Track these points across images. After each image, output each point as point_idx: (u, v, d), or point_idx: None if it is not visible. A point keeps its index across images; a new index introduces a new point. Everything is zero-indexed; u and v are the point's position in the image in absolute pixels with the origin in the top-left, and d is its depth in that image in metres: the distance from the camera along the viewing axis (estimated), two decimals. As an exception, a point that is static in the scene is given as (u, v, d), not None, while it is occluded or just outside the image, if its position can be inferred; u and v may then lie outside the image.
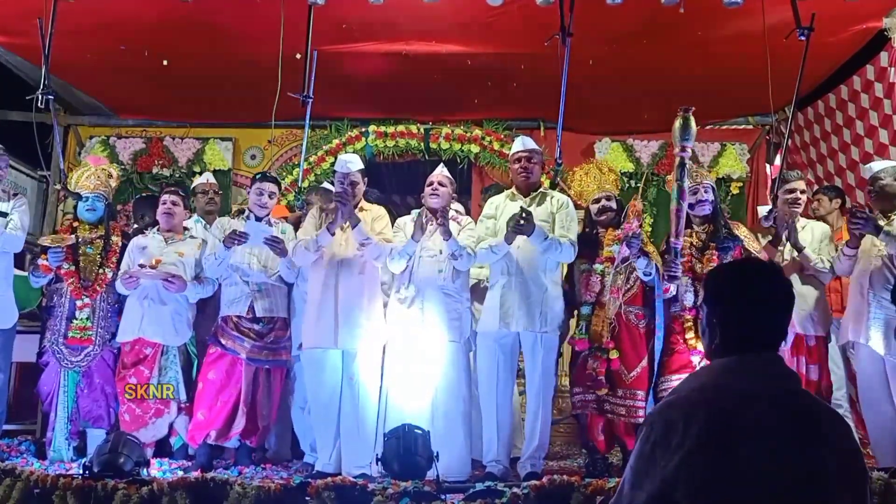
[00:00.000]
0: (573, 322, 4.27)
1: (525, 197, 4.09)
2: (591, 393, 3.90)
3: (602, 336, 3.90)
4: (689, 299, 3.86)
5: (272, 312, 4.25)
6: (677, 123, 3.67)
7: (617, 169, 4.38)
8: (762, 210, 5.06)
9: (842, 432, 1.51)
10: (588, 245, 4.05)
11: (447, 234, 3.91)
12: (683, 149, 3.67)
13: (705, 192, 4.01)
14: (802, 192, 4.31)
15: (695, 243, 3.98)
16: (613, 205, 4.08)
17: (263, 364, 4.20)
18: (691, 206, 4.02)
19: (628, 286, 3.98)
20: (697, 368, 1.52)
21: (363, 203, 4.20)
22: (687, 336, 3.84)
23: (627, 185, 6.00)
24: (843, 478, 1.45)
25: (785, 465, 1.41)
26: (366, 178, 4.20)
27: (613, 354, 3.88)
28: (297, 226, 4.44)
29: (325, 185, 5.07)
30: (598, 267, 3.99)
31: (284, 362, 4.29)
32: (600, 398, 3.88)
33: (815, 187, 5.73)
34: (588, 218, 4.17)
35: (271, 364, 4.23)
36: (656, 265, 3.84)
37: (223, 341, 4.18)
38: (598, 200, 4.09)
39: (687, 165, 3.70)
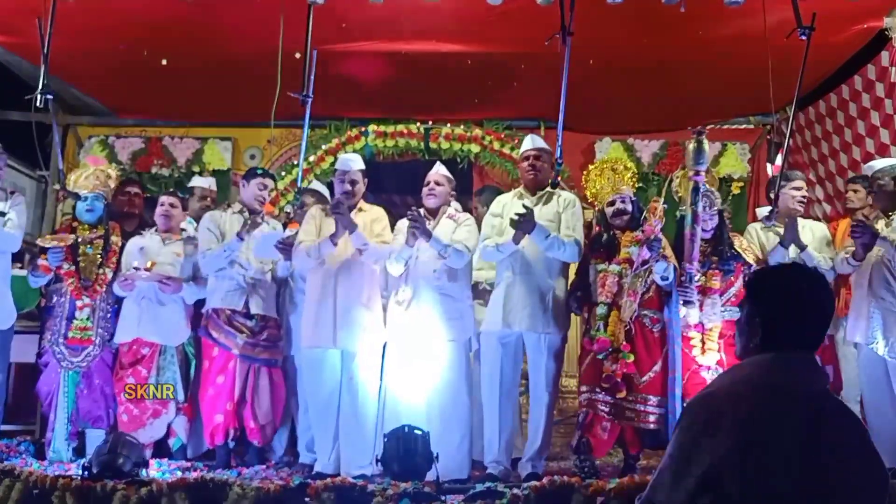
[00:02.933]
0: (578, 321, 4.26)
1: (532, 196, 4.09)
2: (601, 393, 3.83)
3: (618, 338, 3.83)
4: (693, 316, 3.83)
5: (266, 311, 4.25)
6: (691, 147, 3.63)
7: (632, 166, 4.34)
8: (761, 211, 5.06)
9: (864, 432, 1.60)
10: (604, 245, 4.00)
11: (427, 236, 3.90)
12: (697, 173, 3.63)
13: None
14: (803, 189, 4.33)
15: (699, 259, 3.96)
16: (629, 206, 3.98)
17: (256, 362, 4.19)
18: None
19: (644, 289, 3.90)
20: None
21: (362, 203, 4.19)
22: (693, 353, 3.83)
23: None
24: (868, 481, 1.52)
25: (818, 462, 1.46)
26: (366, 180, 4.19)
27: (629, 358, 3.80)
28: (285, 226, 4.43)
29: (316, 186, 5.05)
30: (615, 268, 3.91)
31: (277, 361, 4.28)
32: (617, 401, 3.78)
33: (817, 187, 5.73)
34: (602, 220, 4.09)
35: (263, 363, 4.21)
36: (675, 268, 3.81)
37: (214, 334, 4.18)
38: (612, 203, 4.01)
39: (702, 189, 3.66)
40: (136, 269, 4.20)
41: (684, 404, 1.69)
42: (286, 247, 4.08)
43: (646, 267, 3.85)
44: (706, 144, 3.64)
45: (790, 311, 1.64)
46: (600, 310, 3.90)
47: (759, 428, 1.47)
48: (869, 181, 4.15)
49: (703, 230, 3.89)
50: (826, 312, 1.69)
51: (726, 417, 1.49)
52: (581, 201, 4.78)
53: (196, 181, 5.28)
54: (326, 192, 4.87)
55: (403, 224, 4.21)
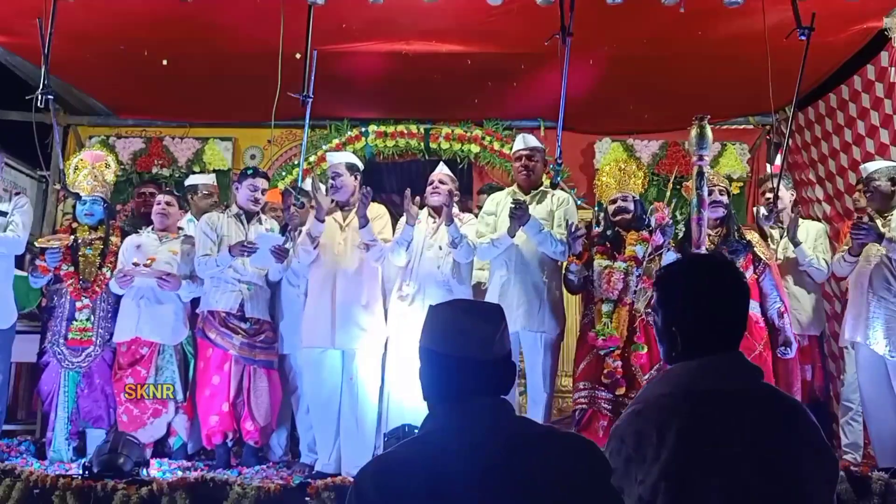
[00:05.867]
0: (573, 322, 4.26)
1: (526, 195, 4.10)
2: (602, 390, 3.82)
3: (623, 334, 3.82)
4: None
5: (260, 314, 4.25)
6: (693, 133, 3.67)
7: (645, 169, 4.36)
8: (759, 209, 5.07)
9: (810, 422, 1.50)
10: (609, 240, 4.00)
11: (450, 220, 3.91)
12: (701, 157, 3.67)
13: (720, 193, 4.01)
14: (771, 190, 4.35)
15: (707, 247, 3.97)
16: (630, 206, 4.01)
17: (254, 363, 4.19)
18: None
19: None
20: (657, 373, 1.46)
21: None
22: None
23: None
24: (820, 469, 1.43)
25: (767, 463, 1.38)
26: (357, 174, 4.16)
27: (643, 349, 3.78)
28: (284, 227, 4.44)
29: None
30: (620, 265, 3.91)
31: (273, 363, 4.29)
32: (617, 398, 3.78)
33: (817, 187, 5.73)
34: (606, 217, 4.12)
35: (260, 364, 4.21)
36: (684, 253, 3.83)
37: (210, 335, 4.18)
38: (614, 201, 4.04)
39: (705, 174, 3.69)
40: (136, 264, 4.20)
41: (612, 427, 1.56)
42: (282, 252, 4.08)
43: (659, 252, 3.85)
44: (708, 130, 3.66)
45: (702, 313, 1.55)
46: (605, 306, 3.89)
47: (692, 446, 1.39)
48: (864, 182, 4.16)
49: (713, 214, 3.92)
50: (738, 303, 1.59)
51: (655, 439, 1.39)
52: (582, 201, 4.79)
53: (198, 179, 5.26)
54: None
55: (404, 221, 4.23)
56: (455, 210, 4.20)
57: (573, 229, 3.94)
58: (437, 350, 1.47)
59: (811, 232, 4.38)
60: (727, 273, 1.61)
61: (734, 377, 1.50)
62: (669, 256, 3.80)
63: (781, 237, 4.35)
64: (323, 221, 3.99)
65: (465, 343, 1.44)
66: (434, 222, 4.12)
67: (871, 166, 4.20)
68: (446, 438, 1.39)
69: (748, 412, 1.44)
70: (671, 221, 3.85)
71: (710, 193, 3.93)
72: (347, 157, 4.29)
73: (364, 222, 3.95)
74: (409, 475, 1.35)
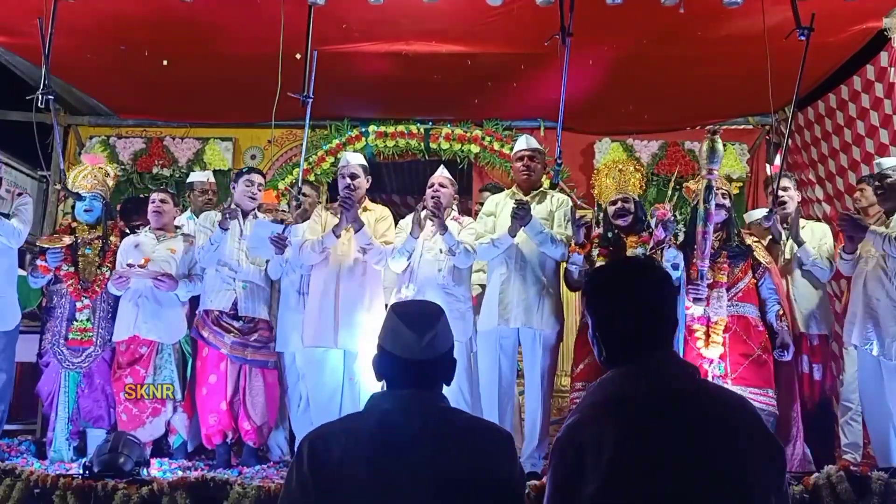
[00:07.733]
0: (572, 322, 4.25)
1: (526, 195, 4.10)
2: None
3: None
4: (697, 308, 3.81)
5: (254, 313, 4.24)
6: (704, 146, 3.68)
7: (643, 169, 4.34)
8: (751, 214, 5.08)
9: (749, 413, 1.49)
10: (611, 243, 3.99)
11: (443, 229, 3.92)
12: (710, 171, 3.67)
13: (722, 197, 4.00)
14: (784, 189, 4.33)
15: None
16: (631, 207, 3.97)
17: (247, 363, 4.19)
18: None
19: None
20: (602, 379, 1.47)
21: (367, 203, 4.21)
22: (697, 345, 3.81)
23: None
24: (763, 459, 1.42)
25: (709, 462, 1.38)
26: (369, 177, 4.20)
27: None
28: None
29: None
30: None
31: (269, 363, 4.28)
32: None
33: (816, 187, 5.74)
34: (605, 219, 4.10)
35: (252, 363, 4.20)
36: (684, 257, 3.81)
37: (204, 334, 4.18)
38: (614, 202, 4.00)
39: (714, 188, 3.69)
40: (130, 265, 4.19)
41: (553, 441, 1.58)
42: (281, 241, 4.08)
43: (660, 248, 3.84)
44: (720, 144, 3.67)
45: (625, 316, 1.54)
46: None
47: (631, 453, 1.38)
48: (877, 178, 4.08)
49: (715, 219, 3.86)
50: (662, 304, 1.57)
51: (594, 450, 1.38)
52: (582, 201, 4.79)
53: (194, 176, 5.29)
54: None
55: (405, 223, 4.23)
56: (456, 213, 4.21)
57: (576, 217, 3.94)
58: (379, 343, 1.76)
59: (816, 232, 4.36)
60: (649, 275, 1.61)
61: (665, 378, 1.49)
62: (671, 253, 3.79)
63: (788, 238, 4.34)
64: (339, 237, 4.00)
65: (398, 344, 1.72)
66: (433, 226, 4.12)
67: (886, 162, 4.07)
68: (378, 418, 1.66)
69: (682, 412, 1.43)
70: (673, 218, 3.83)
71: None
72: (361, 158, 4.31)
73: (359, 226, 3.96)
74: (339, 443, 1.59)
